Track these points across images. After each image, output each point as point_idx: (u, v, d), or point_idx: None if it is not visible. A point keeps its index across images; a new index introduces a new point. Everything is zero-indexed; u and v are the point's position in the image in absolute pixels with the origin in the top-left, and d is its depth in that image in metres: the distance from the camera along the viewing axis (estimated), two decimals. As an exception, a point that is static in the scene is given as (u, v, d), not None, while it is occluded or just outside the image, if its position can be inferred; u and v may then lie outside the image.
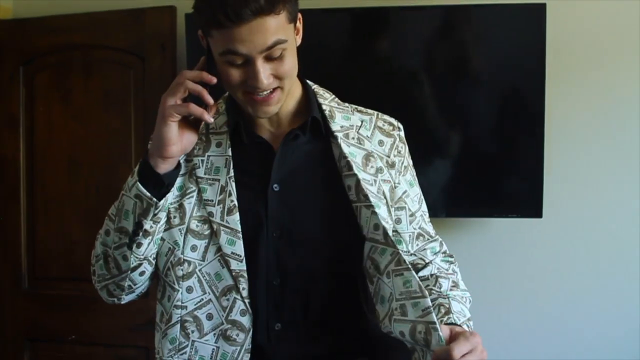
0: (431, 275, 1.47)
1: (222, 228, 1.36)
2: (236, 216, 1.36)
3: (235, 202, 1.36)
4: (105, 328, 2.77)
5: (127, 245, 1.34)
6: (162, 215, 1.34)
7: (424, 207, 1.53)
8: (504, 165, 2.59)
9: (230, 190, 1.37)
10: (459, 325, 1.32)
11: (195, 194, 1.38)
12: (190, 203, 1.38)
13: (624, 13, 2.59)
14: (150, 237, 1.34)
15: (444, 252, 1.54)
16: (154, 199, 1.30)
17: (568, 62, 2.62)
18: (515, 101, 2.54)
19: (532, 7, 2.45)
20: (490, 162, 2.59)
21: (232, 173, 1.38)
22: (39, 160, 2.87)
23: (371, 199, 1.36)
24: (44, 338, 2.90)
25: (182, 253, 1.37)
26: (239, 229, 1.35)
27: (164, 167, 1.31)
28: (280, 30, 1.24)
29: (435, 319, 1.24)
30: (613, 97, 2.63)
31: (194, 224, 1.37)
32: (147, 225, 1.32)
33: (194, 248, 1.37)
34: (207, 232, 1.37)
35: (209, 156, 1.40)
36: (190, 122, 1.33)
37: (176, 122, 1.29)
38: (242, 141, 1.41)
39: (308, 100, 1.45)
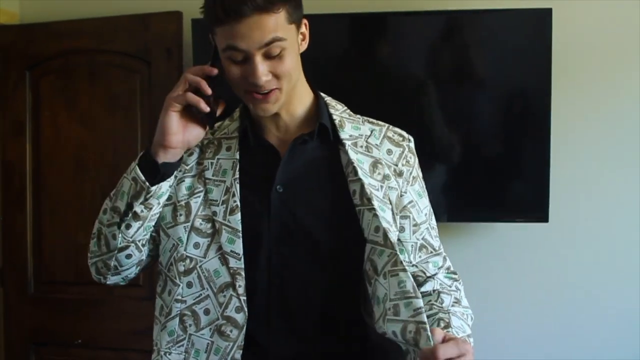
0: (434, 290, 1.48)
1: (223, 227, 1.40)
2: (237, 216, 1.39)
3: (238, 203, 1.40)
4: (111, 332, 2.78)
5: (117, 225, 1.39)
6: (154, 203, 1.38)
7: (433, 222, 1.54)
8: (510, 169, 2.59)
9: (234, 191, 1.41)
10: None
11: (202, 194, 1.43)
12: (196, 202, 1.42)
13: (629, 18, 2.60)
14: (140, 222, 1.39)
15: (447, 268, 1.54)
16: (147, 184, 1.35)
17: (574, 66, 2.62)
18: (521, 105, 2.55)
19: (538, 12, 2.46)
20: (496, 166, 2.59)
21: (237, 175, 1.42)
22: (45, 165, 2.88)
23: (374, 202, 1.38)
24: (50, 342, 2.91)
25: (185, 250, 1.41)
26: (239, 229, 1.39)
27: (163, 157, 1.36)
28: (278, 29, 1.28)
29: (425, 320, 1.27)
30: (619, 102, 2.63)
31: (198, 222, 1.41)
32: (138, 208, 1.37)
33: (196, 245, 1.41)
34: (210, 231, 1.41)
35: (218, 159, 1.45)
36: (196, 118, 1.38)
37: (176, 113, 1.35)
38: (250, 145, 1.45)
39: (318, 109, 1.48)
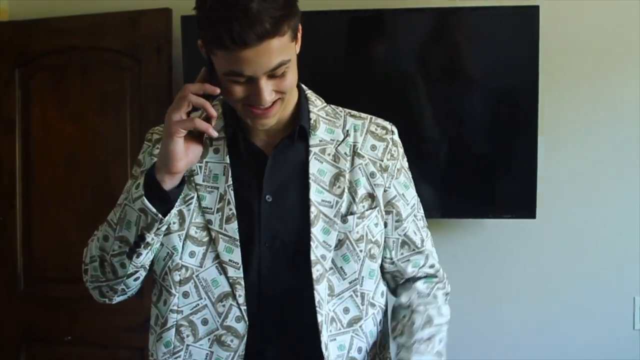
0: (408, 306, 1.49)
1: (220, 236, 1.37)
2: (234, 224, 1.37)
3: (234, 211, 1.38)
4: (100, 329, 2.77)
5: (127, 255, 1.34)
6: (164, 229, 1.35)
7: (420, 212, 1.53)
8: (498, 166, 2.60)
9: (229, 199, 1.38)
10: None
11: (194, 200, 1.39)
12: (189, 209, 1.39)
13: (617, 15, 2.62)
14: (150, 248, 1.35)
15: (430, 266, 1.53)
16: (159, 215, 1.30)
17: (561, 63, 2.64)
18: (508, 102, 2.56)
19: (525, 9, 2.47)
20: (484, 163, 2.60)
21: (230, 181, 1.39)
22: (35, 162, 2.87)
23: (318, 221, 1.39)
24: (40, 339, 2.90)
25: (181, 259, 1.39)
26: (237, 237, 1.37)
27: (170, 183, 1.30)
28: (284, 51, 1.24)
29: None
30: (606, 99, 2.65)
31: (193, 231, 1.39)
32: (149, 238, 1.32)
33: (192, 254, 1.39)
34: (205, 239, 1.39)
35: (206, 162, 1.40)
36: (194, 135, 1.32)
37: (182, 138, 1.28)
38: (239, 149, 1.41)
39: (300, 107, 1.44)
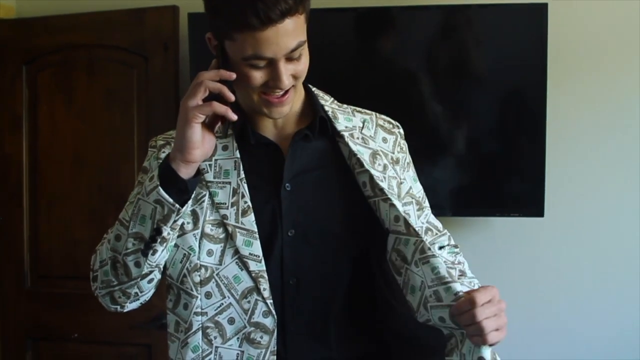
0: None
1: (237, 230, 1.34)
2: (251, 217, 1.35)
3: (249, 203, 1.35)
4: (107, 326, 2.77)
5: (142, 252, 1.29)
6: (180, 222, 1.30)
7: (428, 204, 1.55)
8: (506, 165, 2.59)
9: (242, 192, 1.36)
10: None
11: (206, 198, 1.37)
12: (202, 208, 1.36)
13: (625, 13, 2.60)
14: (165, 244, 1.30)
15: (454, 245, 1.55)
16: (177, 205, 1.25)
17: (569, 61, 2.63)
18: (517, 101, 2.55)
19: (534, 7, 2.46)
20: (492, 161, 2.60)
21: (242, 175, 1.37)
22: (42, 159, 2.88)
23: (387, 193, 1.37)
24: (47, 337, 2.90)
25: (199, 259, 1.35)
26: (255, 230, 1.34)
27: (186, 172, 1.27)
28: (300, 32, 1.26)
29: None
30: (614, 97, 2.64)
31: (208, 228, 1.36)
32: (165, 232, 1.28)
33: (210, 253, 1.35)
34: (222, 236, 1.36)
35: (216, 160, 1.39)
36: (207, 125, 1.29)
37: (199, 124, 1.25)
38: (249, 143, 1.40)
39: (311, 101, 1.46)
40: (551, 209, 2.55)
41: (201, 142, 1.27)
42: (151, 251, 1.29)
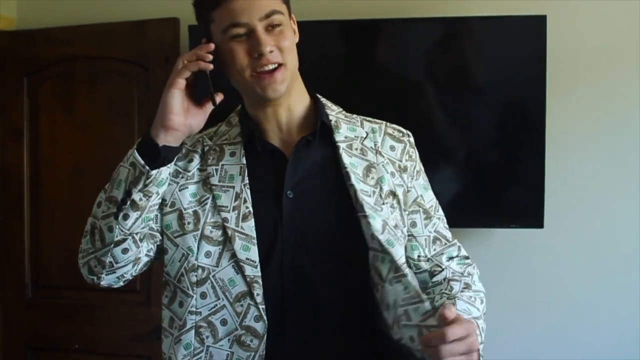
0: (444, 279, 1.48)
1: (237, 234, 1.37)
2: (251, 222, 1.37)
3: (251, 209, 1.38)
4: (108, 337, 2.78)
5: (114, 215, 1.33)
6: (154, 190, 1.33)
7: (441, 213, 1.55)
8: (505, 175, 2.60)
9: (245, 197, 1.39)
10: None
11: (209, 200, 1.40)
12: (204, 209, 1.40)
13: (624, 24, 2.61)
14: (138, 212, 1.33)
15: (464, 257, 1.54)
16: (146, 167, 1.30)
17: (568, 73, 2.64)
18: (516, 112, 2.55)
19: (533, 19, 2.47)
20: (491, 172, 2.60)
21: (246, 180, 1.40)
22: (43, 170, 2.89)
23: (366, 209, 1.38)
24: (47, 347, 2.91)
25: (197, 259, 1.38)
26: (254, 235, 1.37)
27: (164, 139, 1.32)
28: (275, 3, 1.34)
29: (435, 323, 1.23)
30: (613, 108, 2.64)
31: (208, 230, 1.38)
32: (137, 196, 1.31)
33: (208, 254, 1.38)
34: (221, 238, 1.38)
35: (222, 165, 1.43)
36: (197, 102, 1.35)
37: (180, 91, 1.32)
38: (255, 150, 1.43)
39: (317, 109, 1.48)
40: (551, 220, 2.55)
41: (181, 111, 1.32)
42: (122, 214, 1.32)
